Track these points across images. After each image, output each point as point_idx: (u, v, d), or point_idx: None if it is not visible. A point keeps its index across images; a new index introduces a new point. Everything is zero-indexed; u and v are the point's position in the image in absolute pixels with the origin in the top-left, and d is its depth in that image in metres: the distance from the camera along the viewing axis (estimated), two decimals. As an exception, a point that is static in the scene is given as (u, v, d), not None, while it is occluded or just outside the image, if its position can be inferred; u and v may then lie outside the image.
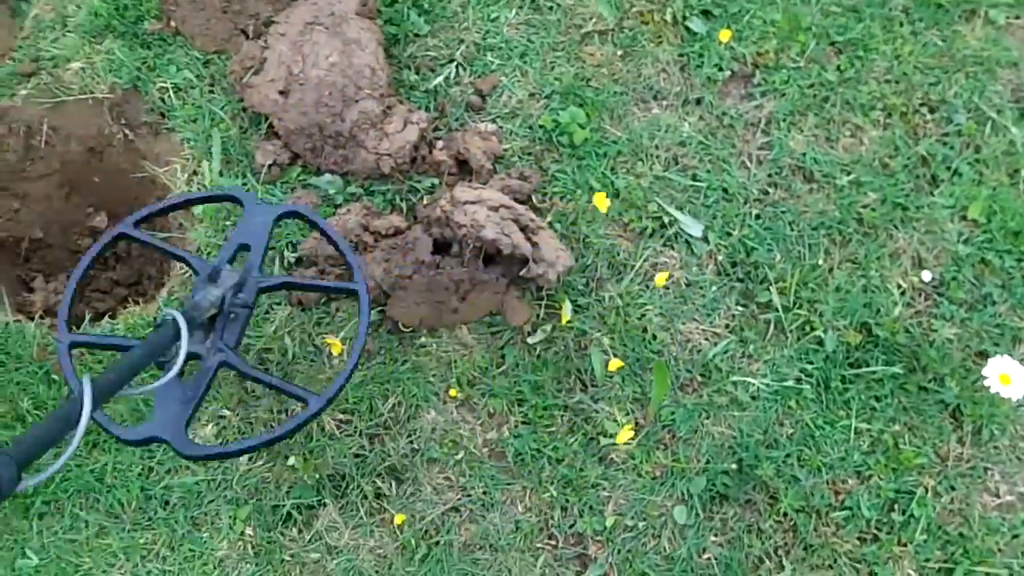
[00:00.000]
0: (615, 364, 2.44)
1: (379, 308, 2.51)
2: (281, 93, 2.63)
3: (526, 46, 2.85)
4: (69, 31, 2.91)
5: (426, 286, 2.43)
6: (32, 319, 2.71)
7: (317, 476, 2.45)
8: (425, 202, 2.61)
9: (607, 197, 2.55)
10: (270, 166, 2.65)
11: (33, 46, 2.91)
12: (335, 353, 2.47)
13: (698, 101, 2.82)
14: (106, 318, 2.63)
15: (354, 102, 2.59)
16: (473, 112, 2.78)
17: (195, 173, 2.71)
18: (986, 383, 2.33)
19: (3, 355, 2.52)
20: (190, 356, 1.89)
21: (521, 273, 2.42)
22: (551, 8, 2.90)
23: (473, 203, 2.45)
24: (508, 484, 2.44)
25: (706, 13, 2.89)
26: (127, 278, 3.08)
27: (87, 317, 2.69)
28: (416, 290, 2.44)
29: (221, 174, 2.68)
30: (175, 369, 1.77)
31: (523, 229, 2.46)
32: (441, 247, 2.48)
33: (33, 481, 1.32)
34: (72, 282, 2.10)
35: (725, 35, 2.79)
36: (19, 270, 2.98)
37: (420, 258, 2.43)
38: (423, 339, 2.52)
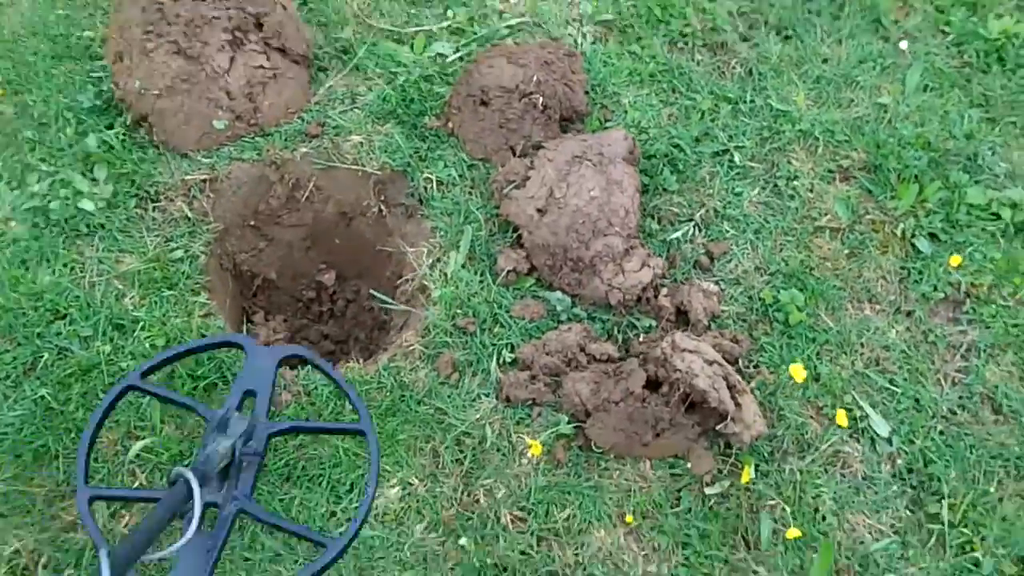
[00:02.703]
0: (792, 533, 2.71)
1: (577, 423, 2.84)
2: (538, 211, 3.06)
3: (761, 224, 3.24)
4: (357, 108, 3.42)
5: (628, 415, 2.77)
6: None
7: (484, 561, 2.75)
8: (641, 339, 2.97)
9: (804, 369, 2.86)
10: (509, 272, 3.05)
11: (322, 112, 3.42)
12: (533, 454, 2.80)
13: (909, 314, 3.14)
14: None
15: (602, 235, 2.99)
16: (700, 271, 3.15)
17: (439, 260, 3.14)
18: None
19: (231, 375, 2.92)
20: (207, 505, 1.94)
21: (717, 427, 2.74)
22: (791, 196, 3.30)
23: (691, 352, 2.80)
24: (658, 619, 2.70)
25: (933, 236, 3.24)
26: (337, 335, 3.49)
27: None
28: (618, 416, 2.78)
29: (464, 266, 3.09)
30: (191, 530, 1.81)
31: (730, 388, 2.79)
32: (651, 384, 2.82)
33: None
34: (85, 438, 2.09)
35: (955, 260, 3.13)
36: (246, 302, 3.42)
37: (631, 388, 2.77)
38: (609, 463, 2.84)
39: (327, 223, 3.43)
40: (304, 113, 3.44)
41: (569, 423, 2.86)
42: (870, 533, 2.82)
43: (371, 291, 3.17)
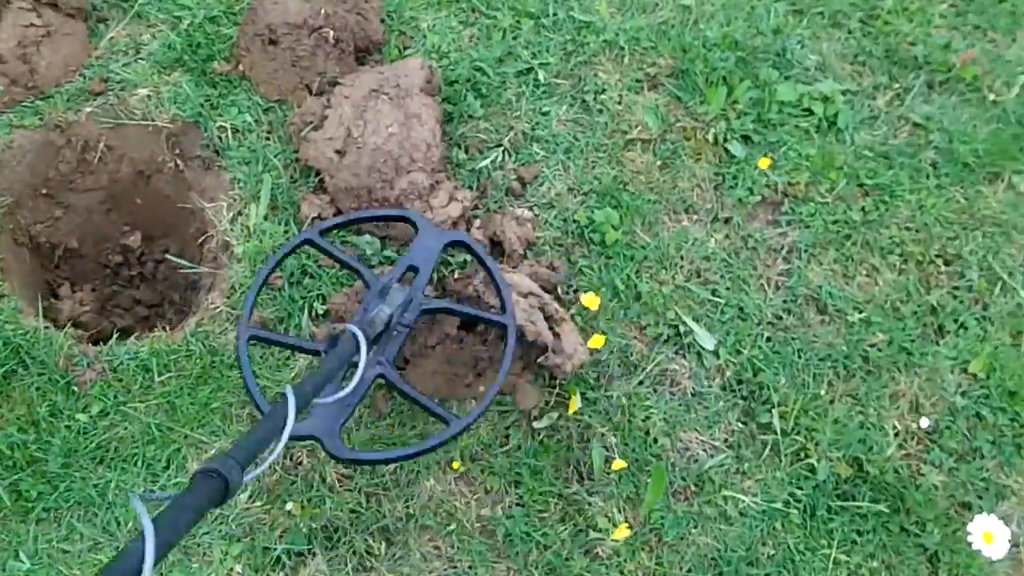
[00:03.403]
0: (618, 464, 2.61)
1: (399, 370, 2.68)
2: (337, 152, 2.84)
3: (571, 143, 3.07)
4: (141, 58, 3.13)
5: (447, 359, 2.61)
6: (58, 326, 2.87)
7: (311, 525, 2.60)
8: (456, 276, 2.80)
9: (597, 297, 2.76)
10: (313, 219, 2.83)
11: (104, 67, 3.12)
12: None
13: (727, 220, 3.03)
14: (131, 338, 2.79)
15: (406, 172, 2.80)
16: (513, 197, 2.99)
17: (240, 214, 2.91)
18: (969, 539, 2.51)
19: (28, 358, 2.68)
20: (350, 365, 2.08)
21: (538, 360, 2.61)
22: (600, 111, 3.13)
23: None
24: (494, 562, 2.59)
25: (746, 138, 3.12)
26: (149, 299, 3.25)
27: (113, 334, 2.85)
28: (436, 361, 2.62)
29: (266, 218, 2.87)
30: (355, 380, 2.02)
31: (548, 318, 2.65)
32: (466, 324, 2.66)
33: (248, 478, 1.54)
34: (259, 279, 2.40)
35: (764, 163, 3.02)
36: (49, 275, 3.15)
37: (446, 331, 2.61)
38: (434, 407, 2.69)
39: (124, 183, 3.16)
40: (86, 70, 3.13)
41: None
42: (704, 450, 2.75)
43: (167, 255, 2.92)
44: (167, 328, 2.83)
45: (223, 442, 2.68)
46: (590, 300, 2.78)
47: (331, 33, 3.04)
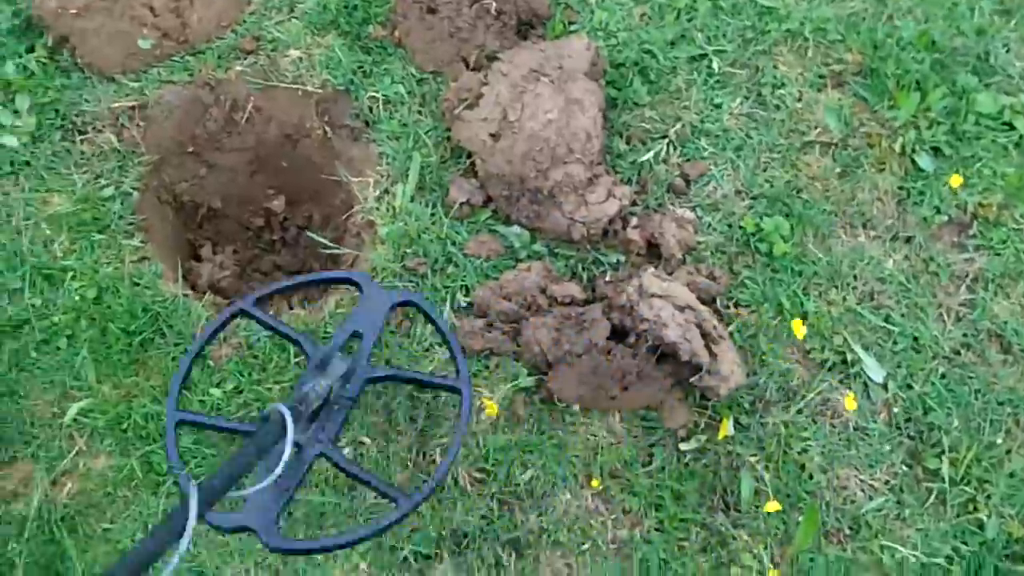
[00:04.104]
0: (772, 506, 2.36)
1: (540, 375, 2.46)
2: (492, 135, 2.61)
3: (743, 140, 2.78)
4: (295, 17, 2.94)
5: (592, 369, 2.39)
6: (197, 291, 2.74)
7: (441, 529, 2.41)
8: (608, 278, 2.56)
9: (803, 324, 2.46)
10: (462, 204, 2.62)
11: (257, 24, 2.94)
12: (488, 415, 2.43)
13: (908, 240, 2.72)
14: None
15: (562, 163, 2.55)
16: (675, 195, 2.72)
17: (387, 192, 2.71)
18: None
19: (166, 327, 2.55)
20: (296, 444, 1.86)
21: (691, 379, 2.35)
22: (777, 107, 2.83)
23: (660, 297, 2.40)
24: (627, 588, 2.38)
25: (937, 150, 2.78)
26: (290, 265, 3.10)
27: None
28: (581, 370, 2.40)
29: (413, 199, 2.66)
30: (277, 471, 1.71)
31: (704, 335, 2.39)
32: (616, 332, 2.42)
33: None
34: (187, 359, 2.10)
35: (955, 180, 2.68)
36: (191, 234, 3.02)
37: (594, 340, 2.38)
38: (574, 417, 2.47)
39: (271, 146, 3.00)
40: (237, 26, 2.97)
41: (530, 375, 2.49)
42: (862, 490, 2.47)
43: (306, 231, 2.74)
44: (306, 304, 2.65)
45: (354, 431, 2.51)
46: (797, 327, 2.51)
47: (493, 4, 2.80)
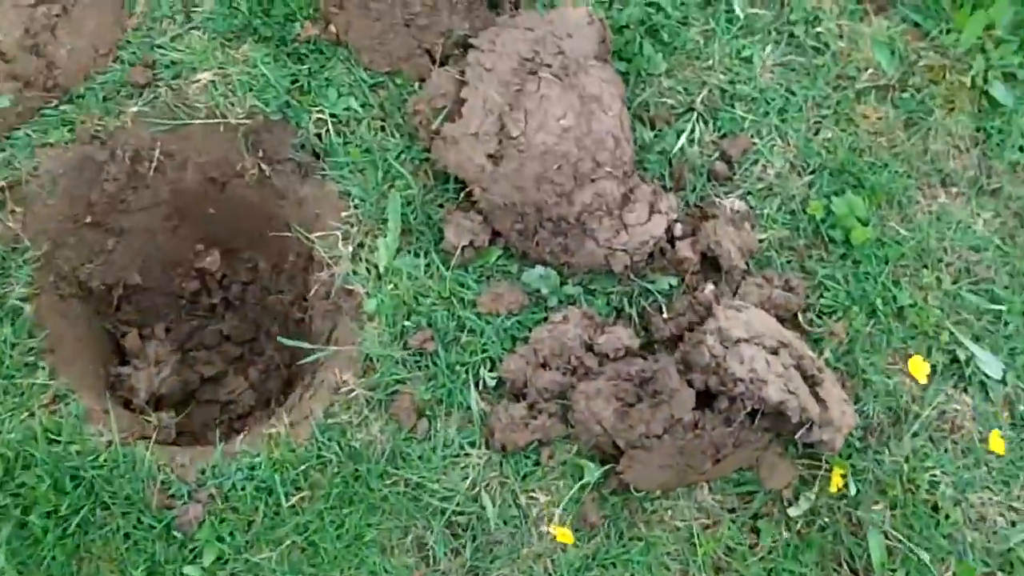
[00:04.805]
0: (912, 565, 1.91)
1: (604, 456, 1.93)
2: (490, 157, 2.00)
3: (786, 98, 2.22)
4: (194, 28, 2.23)
5: (678, 450, 1.86)
6: (135, 411, 2.12)
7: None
8: (665, 314, 2.02)
9: (924, 361, 1.97)
10: (464, 248, 2.02)
11: (146, 44, 2.23)
12: (561, 540, 1.90)
13: (994, 192, 2.22)
14: (240, 441, 2.03)
15: (589, 181, 1.97)
16: (717, 182, 2.17)
17: (362, 246, 2.09)
18: None
19: (108, 495, 1.92)
20: None
21: (797, 436, 1.85)
22: (816, 49, 2.27)
23: (747, 342, 1.86)
24: None
25: (1010, 77, 2.25)
26: (241, 333, 2.49)
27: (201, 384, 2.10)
28: (664, 452, 1.87)
29: (399, 250, 2.05)
30: None
31: (805, 378, 1.88)
32: (704, 400, 1.89)
33: None
34: None
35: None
36: (109, 323, 2.37)
37: (677, 415, 1.84)
38: (656, 502, 1.96)
39: (192, 195, 2.34)
40: (121, 51, 2.23)
41: (590, 458, 1.96)
42: (1002, 515, 2.04)
43: (279, 338, 2.10)
44: (285, 417, 2.05)
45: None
46: (916, 367, 2.01)
47: (455, -24, 2.13)
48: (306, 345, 2.05)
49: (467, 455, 1.97)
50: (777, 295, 2.06)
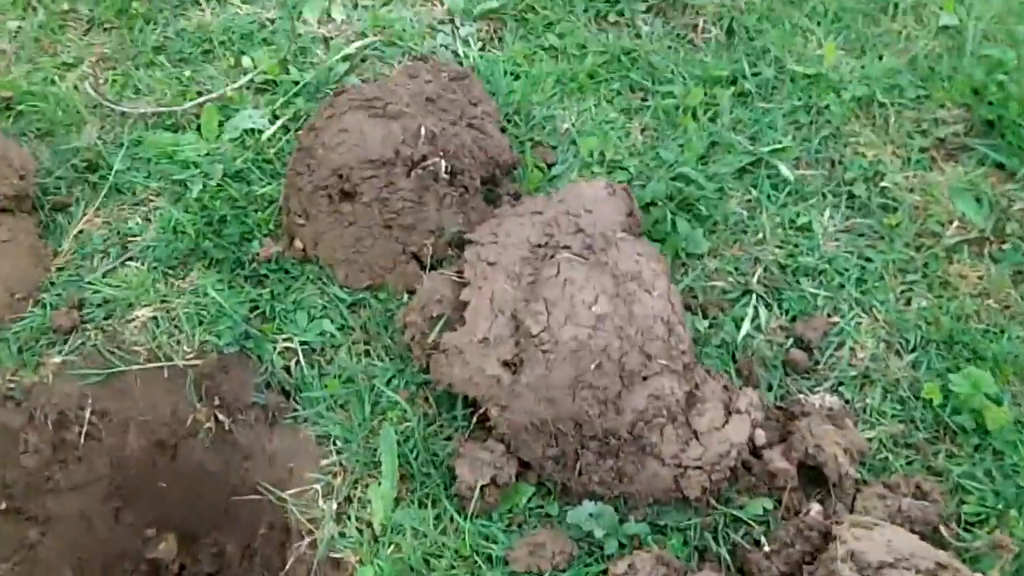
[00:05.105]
0: None
1: None
2: (507, 366, 1.51)
3: (861, 267, 1.80)
4: (131, 259, 1.82)
5: None
6: None
7: None
8: (766, 547, 1.46)
9: None
10: (484, 488, 1.49)
11: (74, 283, 1.81)
12: None
13: None
14: None
15: (640, 380, 1.48)
16: (796, 375, 1.68)
17: (350, 501, 1.56)
18: None
19: None
20: None
21: None
22: (885, 208, 1.87)
23: (892, 566, 1.31)
24: None
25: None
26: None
27: None
28: None
29: (398, 502, 1.52)
30: None
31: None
32: None
33: None
34: None
35: None
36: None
37: None
38: None
39: (136, 464, 1.85)
40: (44, 294, 1.81)
41: None
42: None
43: None
44: None
45: None
46: None
47: (442, 163, 1.74)
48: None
49: None
50: (909, 506, 1.52)
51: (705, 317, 1.74)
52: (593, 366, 1.50)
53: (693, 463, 1.51)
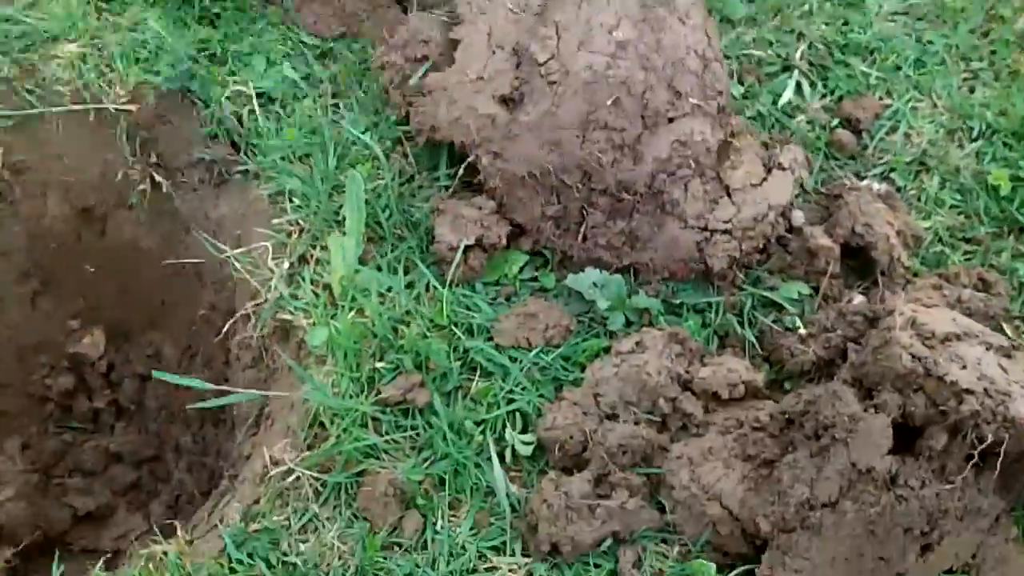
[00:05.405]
0: None
1: (736, 570, 1.06)
2: (504, 102, 1.24)
3: (921, 49, 1.54)
4: (59, -13, 1.51)
5: (866, 527, 1.00)
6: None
7: None
8: (802, 330, 1.20)
9: None
10: (468, 250, 1.22)
11: (-12, 12, 1.50)
12: None
13: None
14: (123, 567, 1.17)
15: (665, 121, 1.20)
16: (843, 158, 1.41)
17: (305, 259, 1.28)
18: None
19: None
20: None
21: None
22: (946, -11, 1.57)
23: (959, 338, 1.05)
24: None
25: None
26: (135, 449, 1.64)
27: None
28: (841, 535, 1.02)
29: (362, 264, 1.24)
30: None
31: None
32: (907, 439, 1.05)
33: None
34: None
35: None
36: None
37: (865, 465, 1.00)
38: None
39: (57, 237, 1.56)
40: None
41: (725, 556, 1.09)
42: None
43: (153, 372, 1.22)
44: (185, 525, 1.18)
45: None
46: None
47: None
48: (195, 382, 1.19)
49: (492, 569, 1.09)
50: (970, 296, 1.26)
51: (741, 84, 1.47)
52: (609, 101, 1.23)
53: (722, 226, 1.25)
